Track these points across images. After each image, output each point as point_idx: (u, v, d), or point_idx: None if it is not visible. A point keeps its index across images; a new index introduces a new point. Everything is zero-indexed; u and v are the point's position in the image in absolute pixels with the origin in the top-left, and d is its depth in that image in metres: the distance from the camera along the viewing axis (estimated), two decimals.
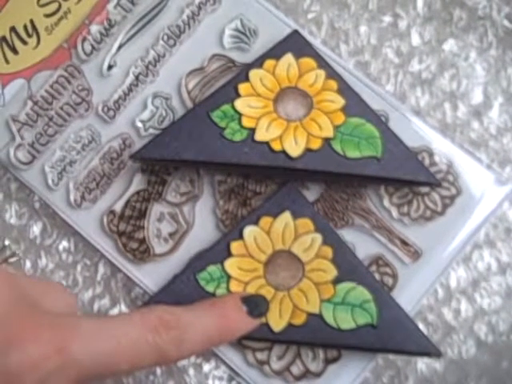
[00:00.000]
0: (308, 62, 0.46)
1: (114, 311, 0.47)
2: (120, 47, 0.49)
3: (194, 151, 0.44)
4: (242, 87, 0.45)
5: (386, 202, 0.46)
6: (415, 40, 0.50)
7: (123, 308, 0.47)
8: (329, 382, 0.45)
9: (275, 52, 0.46)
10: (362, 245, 0.45)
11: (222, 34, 0.48)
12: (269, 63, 0.46)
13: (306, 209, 0.45)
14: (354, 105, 0.45)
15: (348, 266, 0.44)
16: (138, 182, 0.47)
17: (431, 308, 0.47)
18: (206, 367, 0.46)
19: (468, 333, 0.47)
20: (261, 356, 0.45)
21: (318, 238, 0.44)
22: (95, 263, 0.48)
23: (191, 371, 0.46)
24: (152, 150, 0.44)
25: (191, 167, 0.47)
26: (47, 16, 0.49)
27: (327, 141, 0.44)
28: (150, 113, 0.48)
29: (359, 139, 0.44)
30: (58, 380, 0.31)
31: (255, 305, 0.41)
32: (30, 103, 0.48)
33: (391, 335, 0.43)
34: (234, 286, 0.44)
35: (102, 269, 0.48)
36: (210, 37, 0.49)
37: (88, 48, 0.48)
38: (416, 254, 0.46)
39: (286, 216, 0.44)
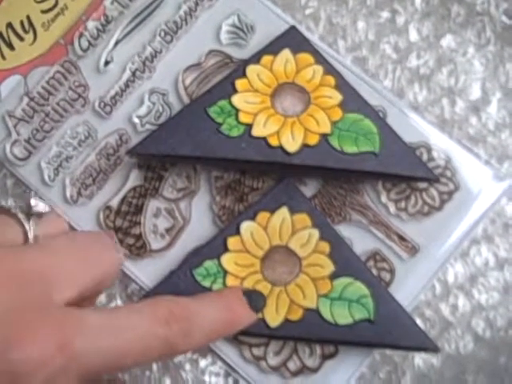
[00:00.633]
0: (305, 57, 0.46)
1: (111, 307, 0.47)
2: (117, 43, 0.49)
3: (190, 147, 0.44)
4: (239, 83, 0.45)
5: (384, 198, 0.46)
6: (413, 36, 0.50)
7: (119, 304, 0.47)
8: (326, 377, 0.44)
9: (272, 48, 0.46)
10: (360, 240, 0.45)
11: (219, 30, 0.48)
12: (266, 59, 0.46)
13: (304, 204, 0.45)
14: (352, 100, 0.45)
15: (345, 262, 0.44)
16: (134, 178, 0.47)
17: (429, 303, 0.47)
18: (203, 363, 0.46)
19: (465, 328, 0.47)
20: (257, 352, 0.45)
21: (316, 233, 0.44)
22: None
23: (187, 367, 0.46)
24: (149, 145, 0.44)
25: (188, 163, 0.47)
26: (44, 12, 0.49)
27: (325, 136, 0.44)
28: (147, 108, 0.48)
29: (357, 135, 0.44)
30: (65, 378, 0.30)
31: (255, 299, 0.41)
32: (26, 99, 0.48)
33: (388, 330, 0.43)
34: (231, 282, 0.43)
35: None
36: (207, 32, 0.49)
37: (85, 44, 0.48)
38: (413, 250, 0.46)
39: (284, 211, 0.44)
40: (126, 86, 0.48)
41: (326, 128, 0.44)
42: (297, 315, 0.43)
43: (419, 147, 0.46)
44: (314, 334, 0.43)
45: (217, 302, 0.39)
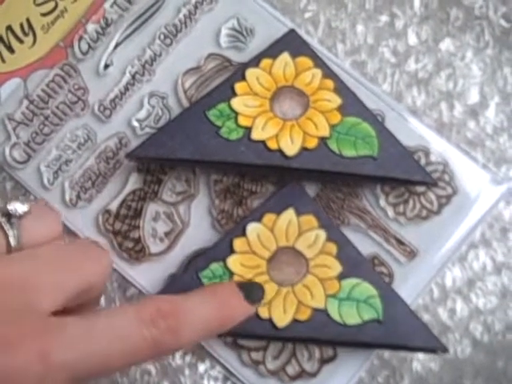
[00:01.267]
0: (304, 61, 0.46)
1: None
2: (116, 46, 0.49)
3: (190, 150, 0.44)
4: (239, 86, 0.45)
5: (382, 202, 0.46)
6: (412, 39, 0.50)
7: None
8: (324, 381, 0.45)
9: (272, 51, 0.46)
10: (358, 244, 0.45)
11: (218, 33, 0.48)
12: (265, 62, 0.46)
13: (310, 205, 0.45)
14: (351, 104, 0.45)
15: (352, 262, 0.44)
16: (133, 182, 0.47)
17: (427, 307, 0.47)
18: (201, 367, 0.46)
19: (463, 332, 0.47)
20: (256, 356, 0.45)
21: (322, 234, 0.44)
22: None
23: (186, 371, 0.46)
24: (148, 148, 0.44)
25: (187, 166, 0.47)
26: (44, 15, 0.49)
27: (323, 140, 0.44)
28: (147, 112, 0.48)
29: (355, 138, 0.44)
30: None
31: (250, 291, 0.41)
32: (25, 102, 0.48)
33: (397, 330, 0.43)
34: None
35: None
36: (206, 36, 0.49)
37: (84, 47, 0.48)
38: (412, 254, 0.46)
39: (290, 213, 0.44)
40: (126, 89, 0.48)
41: (325, 131, 0.44)
42: (305, 315, 0.43)
43: (417, 151, 0.47)
44: (322, 334, 0.43)
45: (208, 296, 0.38)
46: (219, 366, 0.46)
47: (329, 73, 0.46)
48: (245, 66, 0.46)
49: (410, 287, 0.46)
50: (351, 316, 0.43)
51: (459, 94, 0.49)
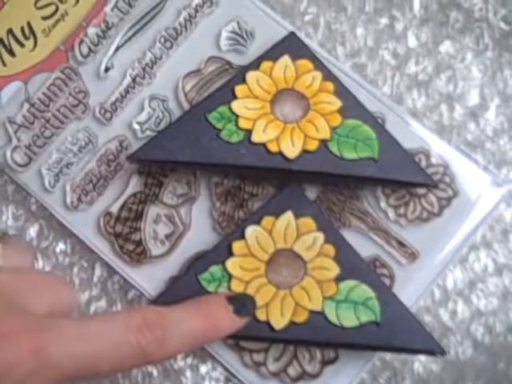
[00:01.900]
0: (305, 63, 0.46)
1: (105, 312, 0.47)
2: (117, 49, 0.49)
3: (190, 152, 0.44)
4: (239, 89, 0.45)
5: (383, 204, 0.46)
6: (412, 42, 0.50)
7: (120, 309, 0.47)
8: (326, 383, 0.45)
9: (272, 54, 0.46)
10: (359, 246, 0.45)
11: (218, 36, 0.49)
12: (266, 65, 0.46)
13: (308, 208, 0.45)
14: (351, 106, 0.45)
15: (351, 264, 0.44)
16: (134, 184, 0.47)
17: (428, 309, 0.47)
18: (203, 369, 0.46)
19: (465, 334, 0.47)
20: (257, 357, 0.45)
21: (320, 236, 0.44)
22: (92, 265, 0.48)
23: (188, 373, 0.46)
24: (149, 151, 0.44)
25: (188, 169, 0.47)
26: (44, 18, 0.49)
27: (324, 142, 0.44)
28: (147, 115, 0.48)
29: (356, 141, 0.44)
30: (35, 382, 0.31)
31: (241, 304, 0.41)
32: (26, 105, 0.48)
33: (395, 333, 0.43)
34: (235, 286, 0.44)
35: (98, 271, 0.48)
36: (206, 39, 0.49)
37: (85, 50, 0.48)
38: (413, 256, 0.46)
39: (288, 215, 0.45)
40: (126, 92, 0.48)
41: (326, 134, 0.44)
42: (302, 317, 0.43)
43: (418, 153, 0.47)
44: (319, 337, 0.43)
45: (196, 309, 0.39)
46: (221, 367, 0.46)
47: (329, 75, 0.46)
48: (245, 68, 0.46)
49: (411, 289, 0.46)
50: (349, 318, 0.43)
51: (459, 96, 0.49)
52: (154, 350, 0.35)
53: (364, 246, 0.46)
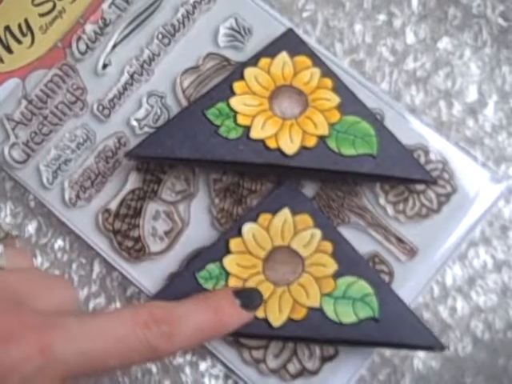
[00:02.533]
0: (303, 60, 0.46)
1: (110, 310, 0.47)
2: (115, 46, 0.49)
3: (189, 149, 0.44)
4: (237, 85, 0.45)
5: (382, 200, 0.46)
6: (410, 38, 0.50)
7: (119, 306, 0.47)
8: (325, 379, 0.44)
9: (270, 50, 0.46)
10: (358, 242, 0.45)
11: (216, 33, 0.48)
12: (264, 61, 0.46)
13: (305, 205, 0.45)
14: (350, 103, 0.45)
15: (348, 260, 0.44)
16: (133, 181, 0.47)
17: (427, 306, 0.47)
18: (203, 365, 0.46)
19: (464, 330, 0.47)
20: (257, 354, 0.45)
21: (318, 233, 0.44)
22: (90, 262, 0.48)
23: (187, 369, 0.46)
24: (147, 147, 0.44)
25: (186, 165, 0.47)
26: (42, 15, 0.49)
27: (322, 139, 0.44)
28: (145, 111, 0.48)
29: (354, 137, 0.44)
30: (41, 379, 0.31)
31: (248, 297, 0.41)
32: (24, 102, 0.48)
33: (393, 328, 0.42)
34: (233, 283, 0.44)
35: (97, 267, 0.48)
36: (204, 35, 0.49)
37: (83, 47, 0.48)
38: (412, 252, 0.46)
39: (285, 212, 0.44)
40: (124, 88, 0.48)
41: (324, 130, 0.44)
42: (300, 314, 0.43)
43: (416, 149, 0.46)
44: (318, 333, 0.43)
45: (203, 303, 0.39)
46: (220, 364, 0.46)
47: (327, 72, 0.46)
48: (243, 65, 0.46)
49: (410, 285, 0.45)
50: (347, 314, 0.43)
51: (458, 93, 0.49)
52: (162, 344, 0.35)
53: (363, 243, 0.46)
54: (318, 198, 0.47)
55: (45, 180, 0.47)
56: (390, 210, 0.46)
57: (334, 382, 0.44)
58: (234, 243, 0.44)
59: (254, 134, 0.44)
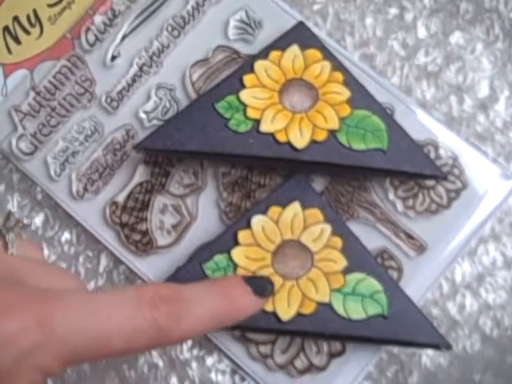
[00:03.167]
0: (314, 53, 0.46)
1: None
2: (124, 38, 0.48)
3: (198, 142, 0.43)
4: (247, 78, 0.45)
5: (391, 195, 0.46)
6: (421, 32, 0.50)
7: None
8: (333, 376, 0.44)
9: (281, 43, 0.46)
10: (367, 238, 0.45)
11: (226, 25, 0.48)
12: (274, 54, 0.45)
13: (315, 199, 0.44)
14: (360, 97, 0.45)
15: (357, 257, 0.44)
16: (141, 174, 0.47)
17: (436, 302, 0.46)
18: (209, 360, 0.46)
19: (473, 327, 0.46)
20: (264, 349, 0.44)
21: (328, 228, 0.44)
22: (97, 255, 0.48)
23: (194, 364, 0.46)
24: (156, 140, 0.44)
25: (195, 159, 0.46)
26: (50, 6, 0.49)
27: (333, 133, 0.44)
28: (154, 104, 0.47)
29: (365, 131, 0.44)
30: (40, 355, 0.29)
31: (259, 285, 0.39)
32: (32, 94, 0.48)
33: (401, 326, 0.42)
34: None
35: (104, 261, 0.48)
36: (214, 28, 0.48)
37: (91, 38, 0.48)
38: (421, 248, 0.45)
39: (295, 206, 0.44)
40: (133, 80, 0.48)
41: (334, 124, 0.44)
42: (309, 309, 0.43)
43: (427, 145, 0.46)
44: (327, 329, 0.43)
45: (213, 287, 0.37)
46: (227, 359, 0.46)
47: (338, 65, 0.46)
48: (254, 58, 0.46)
49: (419, 282, 0.45)
50: (356, 311, 0.43)
51: (469, 88, 0.49)
52: (171, 325, 0.32)
53: (372, 238, 0.45)
54: (327, 192, 0.46)
55: (52, 172, 0.47)
56: (399, 205, 0.46)
57: (341, 378, 0.44)
58: (243, 235, 0.44)
59: (264, 127, 0.44)
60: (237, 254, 0.44)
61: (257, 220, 0.44)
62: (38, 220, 0.48)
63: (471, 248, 0.47)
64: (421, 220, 0.46)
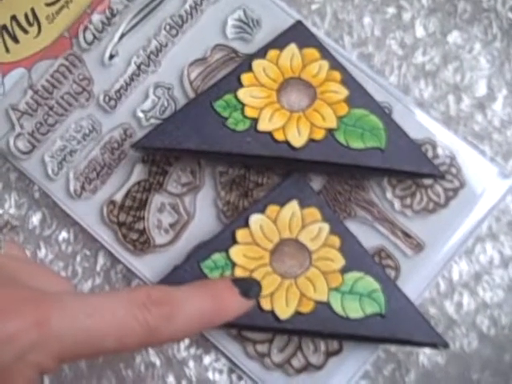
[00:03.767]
0: (312, 52, 0.46)
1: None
2: (122, 36, 0.48)
3: (196, 140, 0.43)
4: (245, 77, 0.45)
5: (389, 194, 0.46)
6: (419, 32, 0.50)
7: None
8: (330, 374, 0.44)
9: (279, 42, 0.46)
10: (365, 237, 0.45)
11: (224, 24, 0.48)
12: (272, 53, 0.46)
13: (313, 198, 0.44)
14: (358, 96, 0.45)
15: (355, 256, 0.44)
16: (138, 173, 0.47)
17: (433, 301, 0.47)
18: (206, 359, 0.46)
19: (470, 326, 0.46)
20: (261, 348, 0.44)
21: (326, 227, 0.44)
22: (95, 254, 0.48)
23: (191, 363, 0.46)
24: (154, 138, 0.44)
25: (193, 157, 0.46)
26: (48, 5, 0.49)
27: (330, 132, 0.44)
28: (152, 103, 0.47)
29: (363, 130, 0.44)
30: (37, 355, 0.31)
31: (246, 286, 0.40)
32: (30, 92, 0.48)
33: (399, 325, 0.42)
34: (239, 274, 0.43)
35: (101, 260, 0.48)
36: (212, 27, 0.48)
37: (89, 37, 0.48)
38: (418, 247, 0.45)
39: (293, 205, 0.44)
40: (131, 79, 0.48)
41: (332, 123, 0.44)
42: (308, 308, 0.43)
43: (424, 144, 0.46)
44: (325, 327, 0.43)
45: (202, 289, 0.38)
46: (224, 358, 0.46)
47: (336, 64, 0.46)
48: (252, 57, 0.46)
49: (416, 280, 0.45)
50: (354, 310, 0.43)
51: (467, 87, 0.49)
52: (161, 325, 0.34)
53: (369, 237, 0.46)
54: (325, 191, 0.46)
55: (50, 171, 0.47)
56: (397, 204, 0.46)
57: (338, 376, 0.44)
58: (241, 234, 0.44)
59: (262, 126, 0.44)
60: (235, 252, 0.44)
61: (255, 219, 0.44)
62: (36, 219, 0.48)
63: (468, 247, 0.47)
64: (418, 219, 0.46)
